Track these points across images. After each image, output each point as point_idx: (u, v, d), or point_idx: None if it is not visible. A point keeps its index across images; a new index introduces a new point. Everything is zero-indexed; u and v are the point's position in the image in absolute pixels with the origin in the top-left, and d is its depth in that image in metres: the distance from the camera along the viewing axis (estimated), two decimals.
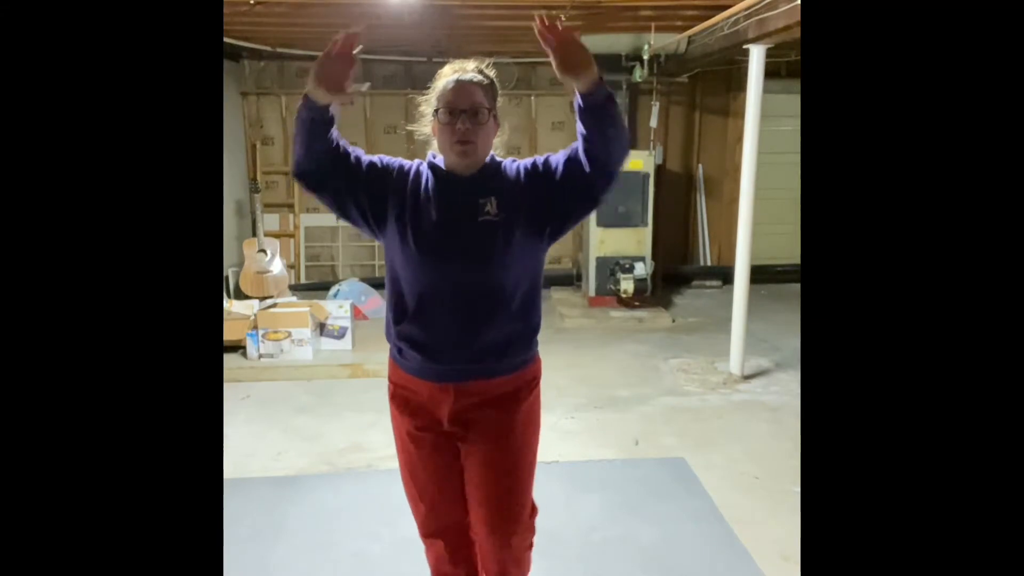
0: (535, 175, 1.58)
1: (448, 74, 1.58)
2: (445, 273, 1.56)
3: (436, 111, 1.55)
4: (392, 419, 1.77)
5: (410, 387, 1.70)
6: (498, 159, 1.63)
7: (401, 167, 1.62)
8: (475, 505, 1.72)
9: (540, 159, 1.60)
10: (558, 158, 1.57)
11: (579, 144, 1.52)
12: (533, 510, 1.81)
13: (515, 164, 1.62)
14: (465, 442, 1.68)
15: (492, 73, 1.62)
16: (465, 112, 1.52)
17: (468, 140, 1.52)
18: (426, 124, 1.62)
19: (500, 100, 1.62)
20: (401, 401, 1.73)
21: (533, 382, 1.71)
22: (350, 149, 1.56)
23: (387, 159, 1.63)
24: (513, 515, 1.73)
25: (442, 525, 1.78)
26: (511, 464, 1.69)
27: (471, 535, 1.80)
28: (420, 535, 1.82)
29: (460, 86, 1.53)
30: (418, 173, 1.61)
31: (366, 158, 1.59)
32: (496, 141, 1.63)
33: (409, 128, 1.62)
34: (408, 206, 1.56)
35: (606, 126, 1.46)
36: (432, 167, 1.60)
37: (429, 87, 1.62)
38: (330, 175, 1.54)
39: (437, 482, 1.73)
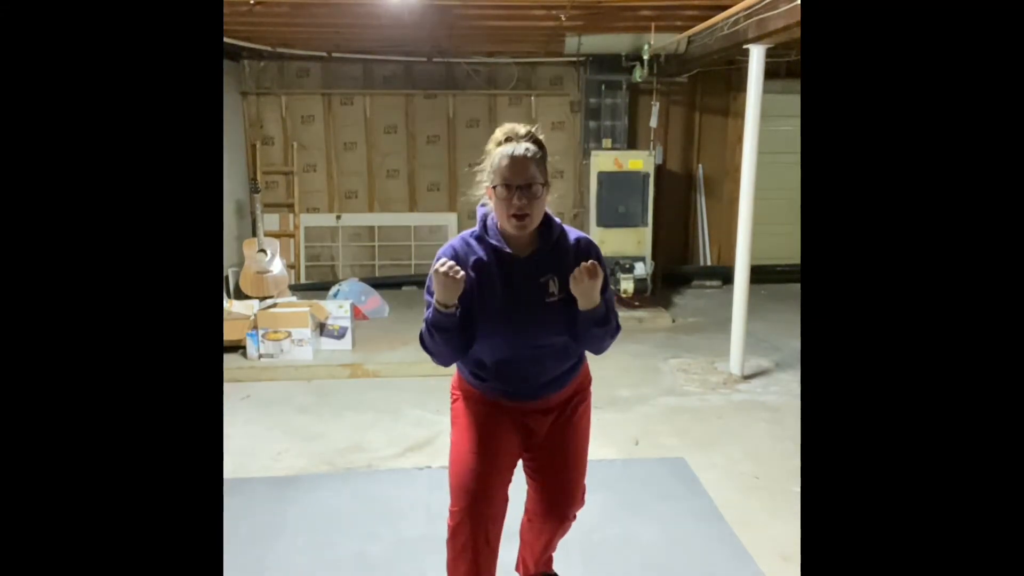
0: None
1: (500, 139, 1.71)
2: (516, 344, 1.78)
3: (494, 186, 1.68)
4: (459, 408, 1.91)
5: (485, 396, 1.89)
6: (556, 222, 1.78)
7: (457, 259, 1.73)
8: (543, 489, 1.96)
9: (603, 265, 1.71)
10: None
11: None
12: (584, 488, 2.02)
13: (574, 240, 1.78)
14: (532, 438, 1.90)
15: (542, 137, 1.75)
16: (521, 188, 1.65)
17: (524, 214, 1.66)
18: (481, 187, 1.76)
19: (549, 161, 1.75)
20: (476, 398, 1.89)
21: (583, 387, 1.96)
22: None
23: (455, 266, 1.66)
24: (576, 495, 1.98)
25: (490, 497, 1.85)
26: (573, 451, 1.94)
27: (523, 520, 2.08)
28: (460, 510, 1.84)
29: (515, 162, 1.65)
30: (472, 253, 1.75)
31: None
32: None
33: (464, 193, 1.73)
34: (476, 292, 1.72)
35: (593, 335, 1.73)
36: (494, 249, 1.74)
37: (483, 156, 1.75)
38: (474, 334, 1.76)
39: (499, 456, 1.86)
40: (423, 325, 1.73)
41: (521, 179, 1.64)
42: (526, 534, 2.12)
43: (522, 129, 1.72)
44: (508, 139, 1.70)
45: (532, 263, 1.74)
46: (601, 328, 1.71)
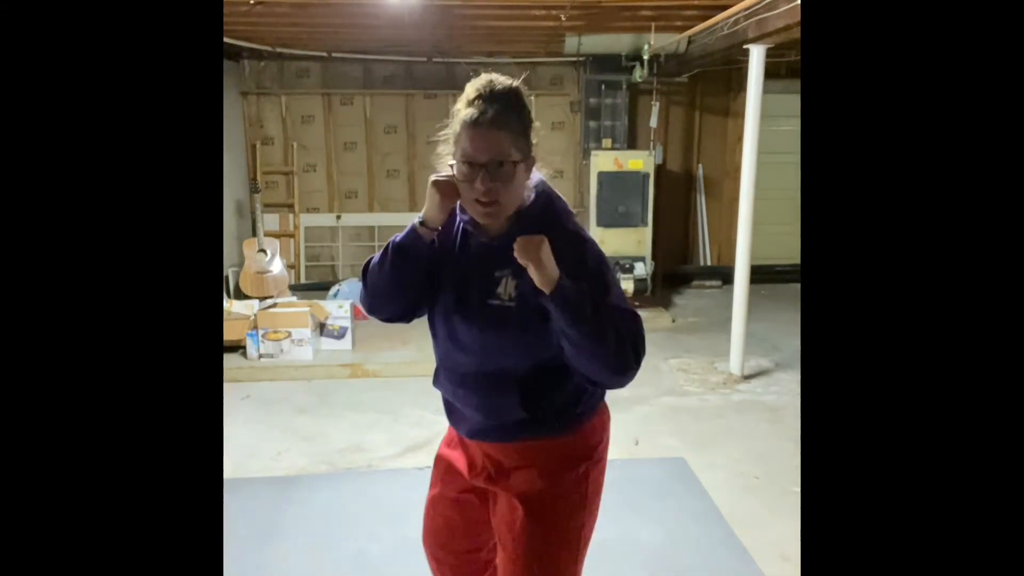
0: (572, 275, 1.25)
1: (471, 96, 1.29)
2: (450, 353, 1.41)
3: (452, 164, 1.30)
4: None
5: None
6: (546, 206, 1.36)
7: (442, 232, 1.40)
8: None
9: (588, 267, 1.31)
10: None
11: None
12: None
13: (565, 230, 1.33)
14: (491, 502, 1.49)
15: (524, 98, 1.32)
16: (487, 167, 1.25)
17: (491, 201, 1.27)
18: (447, 165, 1.33)
19: (535, 126, 1.35)
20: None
21: (573, 458, 1.42)
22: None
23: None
24: None
25: (443, 545, 1.58)
26: (523, 561, 1.42)
27: None
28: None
29: (476, 133, 1.25)
30: (453, 229, 1.40)
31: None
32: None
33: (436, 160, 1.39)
34: (440, 278, 1.38)
35: (570, 341, 1.25)
36: (468, 223, 1.38)
37: (445, 124, 1.36)
38: (425, 300, 1.39)
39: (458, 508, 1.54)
40: (378, 254, 1.38)
41: (486, 155, 1.24)
42: None
43: (499, 83, 1.29)
44: (479, 96, 1.27)
45: (490, 251, 1.33)
46: (573, 326, 1.22)
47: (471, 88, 1.30)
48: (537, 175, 1.40)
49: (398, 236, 1.36)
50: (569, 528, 1.44)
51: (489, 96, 1.27)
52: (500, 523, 1.44)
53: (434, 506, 1.57)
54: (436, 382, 1.50)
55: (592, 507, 1.46)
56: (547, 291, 1.22)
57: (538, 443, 1.39)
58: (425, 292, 1.39)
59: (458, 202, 1.34)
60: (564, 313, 1.21)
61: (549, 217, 1.35)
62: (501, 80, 1.30)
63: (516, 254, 1.22)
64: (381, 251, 1.38)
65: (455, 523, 1.55)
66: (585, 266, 1.30)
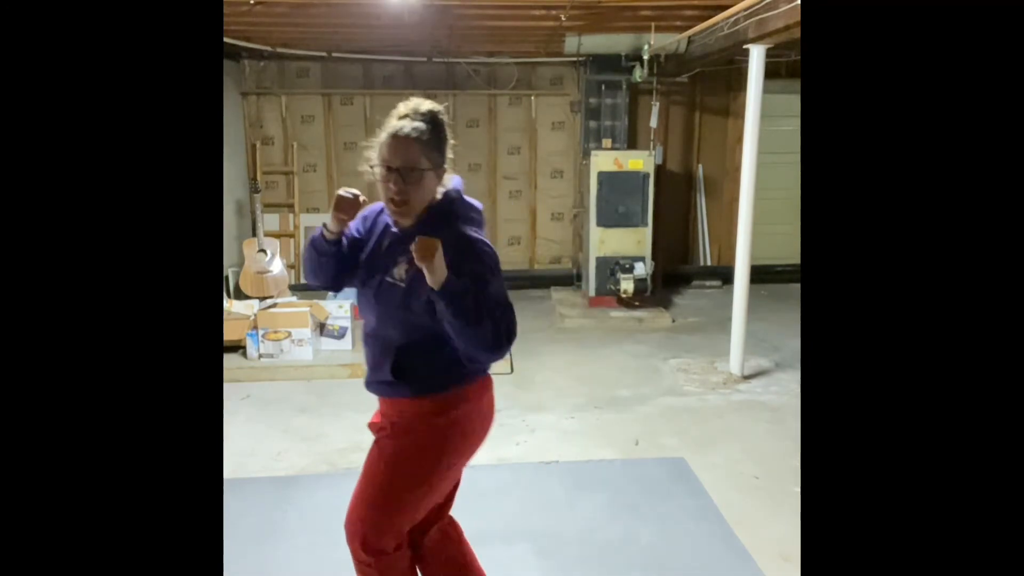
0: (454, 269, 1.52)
1: (398, 114, 1.61)
2: (364, 314, 1.74)
3: (373, 165, 1.60)
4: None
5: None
6: (450, 212, 1.64)
7: (363, 218, 1.75)
8: None
9: (467, 262, 1.55)
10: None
11: None
12: (366, 543, 1.68)
13: (456, 237, 1.58)
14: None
15: (442, 117, 1.63)
16: (400, 171, 1.55)
17: (401, 200, 1.57)
18: (368, 167, 1.63)
19: (450, 143, 1.65)
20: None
21: (417, 417, 1.68)
22: (346, 242, 1.72)
23: (355, 223, 1.74)
24: (349, 524, 1.71)
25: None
26: (365, 477, 1.72)
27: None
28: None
29: (396, 142, 1.56)
30: (380, 219, 1.74)
31: (349, 238, 1.74)
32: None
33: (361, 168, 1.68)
34: (365, 250, 1.73)
35: (449, 323, 1.51)
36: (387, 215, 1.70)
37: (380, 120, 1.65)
38: (344, 279, 1.77)
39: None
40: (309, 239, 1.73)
41: (399, 161, 1.54)
42: None
43: (424, 106, 1.60)
44: (405, 115, 1.59)
45: (398, 239, 1.63)
46: (456, 318, 1.48)
47: (400, 107, 1.62)
48: (455, 183, 1.70)
49: (315, 231, 1.69)
50: (404, 466, 1.69)
51: (413, 115, 1.59)
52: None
53: None
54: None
55: (432, 459, 1.70)
56: (435, 288, 1.47)
57: (401, 402, 1.70)
58: (343, 270, 1.73)
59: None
60: (448, 306, 1.48)
61: (448, 219, 1.63)
62: (426, 103, 1.62)
63: (414, 255, 1.45)
64: (308, 241, 1.72)
65: None
66: (470, 265, 1.54)
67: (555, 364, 4.63)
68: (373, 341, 1.71)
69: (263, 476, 3.12)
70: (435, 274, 1.46)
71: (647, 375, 4.42)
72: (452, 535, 1.92)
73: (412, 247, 1.45)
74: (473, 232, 1.63)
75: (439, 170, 1.62)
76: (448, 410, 1.68)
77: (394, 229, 1.67)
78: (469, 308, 1.48)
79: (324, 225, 1.67)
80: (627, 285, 5.65)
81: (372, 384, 1.74)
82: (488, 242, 1.65)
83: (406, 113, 1.59)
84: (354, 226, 1.74)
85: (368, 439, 1.79)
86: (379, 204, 1.71)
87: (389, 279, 1.62)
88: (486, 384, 1.77)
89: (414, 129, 1.56)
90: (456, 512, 1.94)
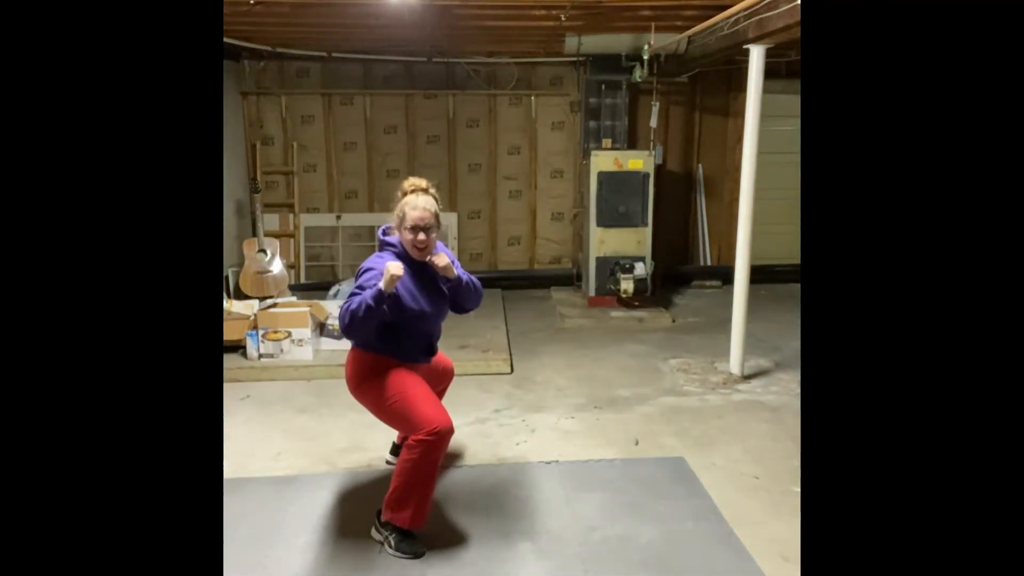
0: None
1: (407, 190, 2.54)
2: (422, 322, 2.61)
3: (406, 227, 2.49)
4: (392, 375, 2.55)
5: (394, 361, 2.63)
6: (440, 244, 2.63)
7: (379, 273, 2.42)
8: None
9: (454, 262, 2.61)
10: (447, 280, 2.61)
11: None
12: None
13: (444, 249, 2.64)
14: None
15: (435, 192, 2.59)
16: (423, 229, 2.48)
17: (424, 247, 2.51)
18: (397, 229, 2.57)
19: (440, 207, 2.60)
20: (391, 366, 2.60)
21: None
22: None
23: (376, 276, 2.43)
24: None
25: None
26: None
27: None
28: (440, 428, 2.43)
29: (422, 212, 2.48)
30: (406, 264, 2.52)
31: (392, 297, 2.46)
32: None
33: (388, 223, 2.65)
34: (404, 290, 2.50)
35: (460, 296, 2.63)
36: (407, 259, 2.53)
37: (398, 197, 2.58)
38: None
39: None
40: (352, 304, 2.33)
41: (423, 223, 2.47)
42: None
43: (423, 183, 2.56)
44: (413, 190, 2.52)
45: (419, 267, 2.56)
46: (463, 288, 2.60)
47: (407, 185, 2.57)
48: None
49: (368, 295, 2.33)
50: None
51: (419, 189, 2.55)
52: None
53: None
54: (390, 347, 2.57)
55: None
56: (453, 278, 2.56)
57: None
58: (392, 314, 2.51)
59: (395, 254, 2.57)
60: (460, 286, 2.60)
61: (439, 248, 2.62)
62: (423, 181, 2.58)
63: (438, 269, 2.52)
64: (356, 305, 2.34)
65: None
66: (456, 265, 2.61)
67: (555, 364, 4.63)
68: (424, 334, 2.66)
69: (263, 476, 3.12)
70: (452, 273, 2.54)
71: (647, 375, 4.42)
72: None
73: (436, 267, 2.50)
74: (445, 247, 2.68)
75: (440, 226, 2.57)
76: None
77: (417, 263, 2.55)
78: (464, 284, 2.61)
79: (379, 288, 2.33)
80: (627, 285, 5.65)
81: (426, 356, 2.70)
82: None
83: (413, 188, 2.53)
84: (375, 277, 2.43)
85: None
86: (377, 259, 2.52)
87: (444, 287, 2.61)
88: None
89: (428, 203, 2.50)
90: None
